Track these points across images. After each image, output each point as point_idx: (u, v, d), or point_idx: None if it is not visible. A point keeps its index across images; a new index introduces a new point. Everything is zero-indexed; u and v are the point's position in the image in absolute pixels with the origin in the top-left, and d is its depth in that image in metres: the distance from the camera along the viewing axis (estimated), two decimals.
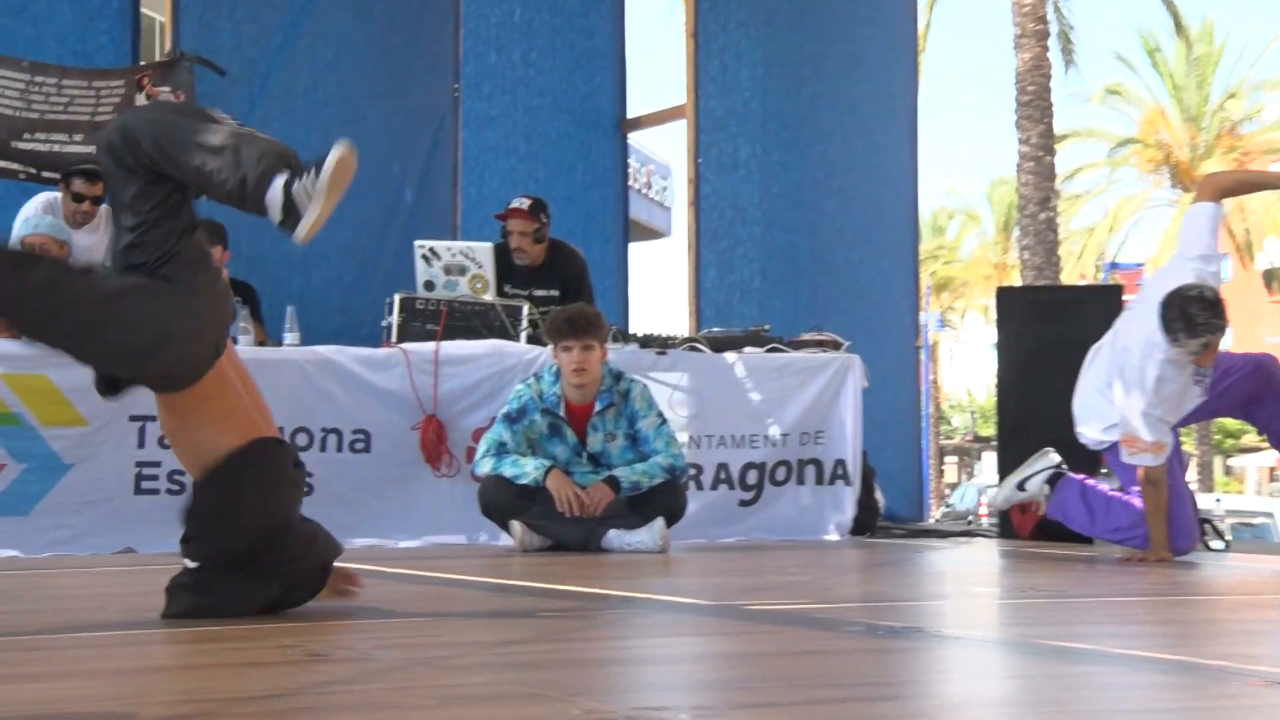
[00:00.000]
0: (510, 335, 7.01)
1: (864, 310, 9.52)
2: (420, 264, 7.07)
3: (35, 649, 3.10)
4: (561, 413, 6.22)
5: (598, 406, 6.23)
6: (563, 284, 7.46)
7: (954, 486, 40.18)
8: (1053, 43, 20.11)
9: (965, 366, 50.45)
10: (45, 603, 3.79)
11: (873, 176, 9.81)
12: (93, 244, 7.31)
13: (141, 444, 6.21)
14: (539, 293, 7.37)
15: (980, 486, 27.29)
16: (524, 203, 7.45)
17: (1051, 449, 6.31)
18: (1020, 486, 6.29)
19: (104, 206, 7.40)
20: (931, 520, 12.18)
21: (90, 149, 7.75)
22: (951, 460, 50.18)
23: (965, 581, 5.27)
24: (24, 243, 6.85)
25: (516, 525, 6.10)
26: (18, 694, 2.43)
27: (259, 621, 3.36)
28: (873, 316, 9.54)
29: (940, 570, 5.76)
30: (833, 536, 7.24)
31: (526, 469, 6.11)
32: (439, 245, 7.17)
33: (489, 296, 7.09)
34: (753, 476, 7.26)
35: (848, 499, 7.32)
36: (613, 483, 6.13)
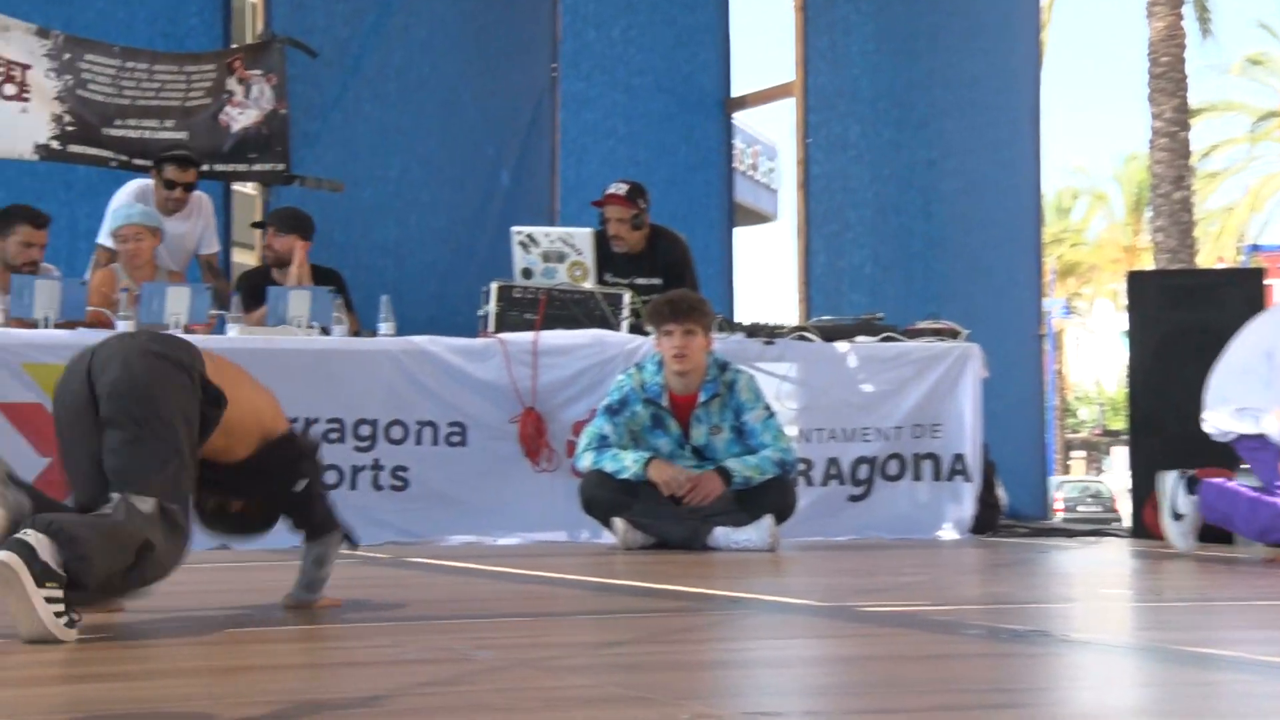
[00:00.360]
0: (611, 325, 7.03)
1: (983, 297, 9.43)
2: (518, 251, 7.12)
3: (133, 647, 3.18)
4: (665, 404, 6.23)
5: (702, 397, 6.24)
6: (664, 271, 7.47)
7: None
8: (1188, 10, 19.76)
9: (1093, 356, 49.67)
10: (141, 601, 3.87)
11: (992, 156, 9.70)
12: (184, 232, 7.45)
13: None
14: (640, 281, 7.38)
15: (1057, 481, 26.83)
16: (621, 188, 7.47)
17: (1164, 472, 6.20)
18: (1176, 516, 6.14)
19: (196, 194, 7.53)
20: (1056, 519, 12.04)
21: (182, 134, 7.90)
22: (1079, 455, 49.55)
23: (1095, 583, 5.21)
24: (116, 234, 6.99)
25: (619, 522, 6.12)
26: (117, 692, 2.49)
27: (357, 620, 3.41)
28: (993, 303, 9.44)
29: (1067, 571, 5.70)
30: (951, 535, 7.18)
31: (626, 462, 6.13)
32: (537, 231, 7.21)
33: (589, 284, 7.12)
34: (864, 471, 7.22)
35: (967, 495, 7.26)
36: (724, 474, 6.14)
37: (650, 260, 7.50)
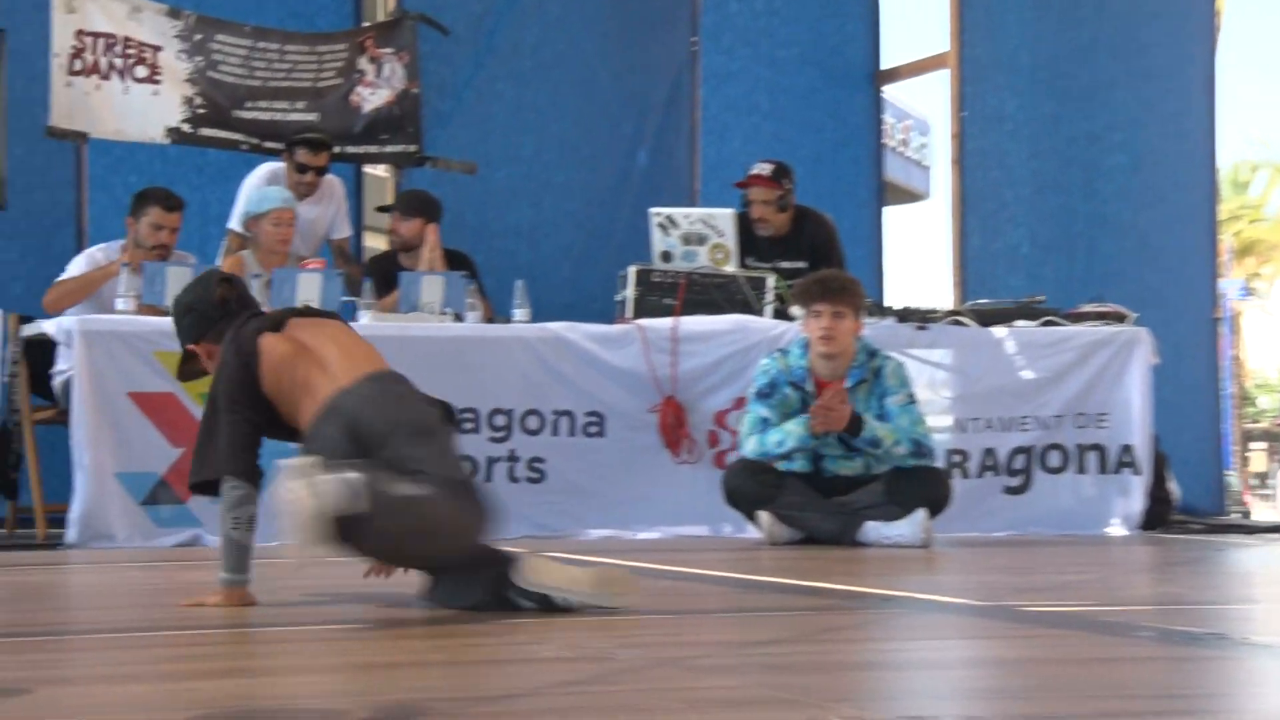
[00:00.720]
0: (754, 310, 7.02)
1: (1153, 278, 9.25)
2: (656, 233, 7.14)
3: (271, 641, 3.25)
4: (810, 388, 6.21)
5: (848, 383, 6.21)
6: (810, 254, 7.44)
7: (1262, 476, 38.75)
8: None
9: (1274, 340, 48.48)
10: (276, 595, 3.96)
11: (1162, 129, 9.51)
12: (315, 216, 7.58)
13: None
14: (784, 264, 7.36)
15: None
16: (765, 168, 7.45)
17: None
18: None
19: (327, 177, 7.65)
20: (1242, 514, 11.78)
21: (313, 116, 8.03)
22: (1258, 446, 48.35)
23: (1276, 582, 5.09)
24: (263, 217, 7.05)
25: (764, 516, 6.12)
26: (253, 688, 2.55)
27: (495, 619, 3.45)
28: (1163, 285, 9.26)
29: (1247, 570, 5.58)
30: (1118, 531, 7.07)
31: (788, 426, 6.12)
32: (676, 213, 7.23)
33: (731, 267, 7.12)
34: (1020, 461, 7.14)
35: (1136, 489, 7.15)
36: (856, 419, 6.07)
37: (795, 243, 7.47)
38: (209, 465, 3.68)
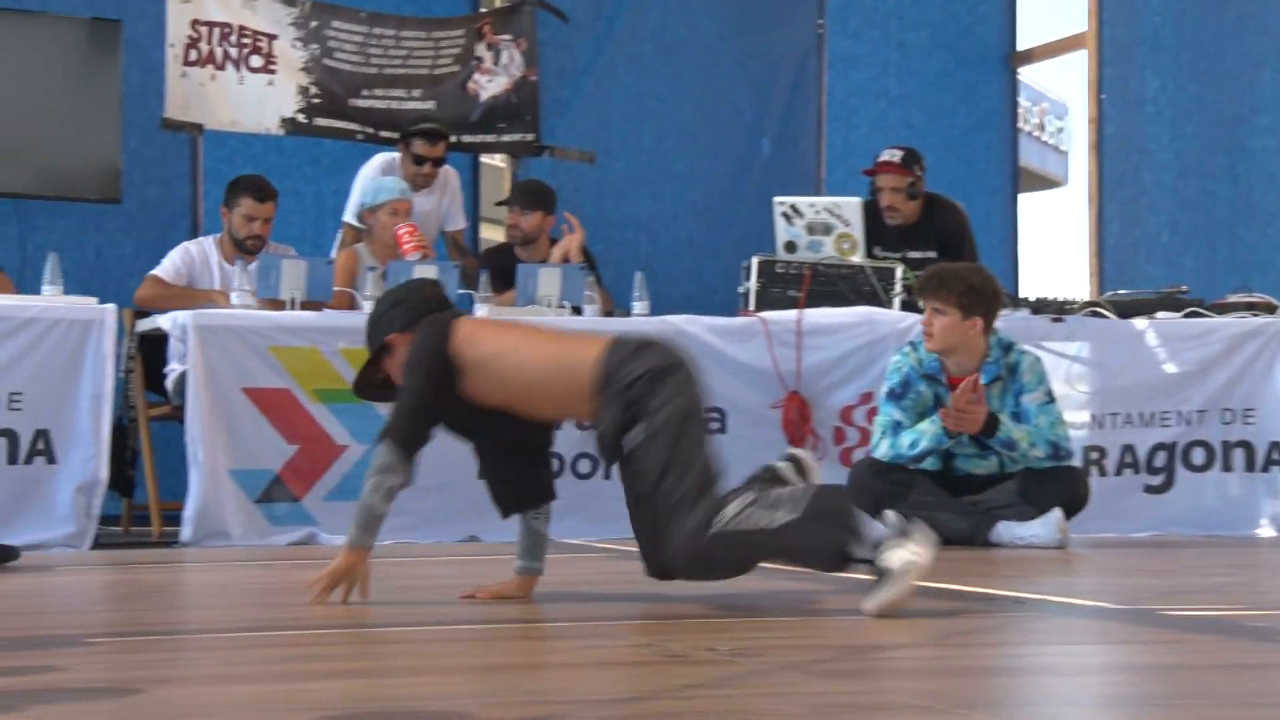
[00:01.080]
0: (882, 301, 6.97)
1: None
2: (780, 223, 7.12)
3: (387, 642, 3.29)
4: (944, 381, 6.15)
5: (982, 380, 6.14)
6: (940, 243, 7.37)
7: None
8: None
9: None
10: (394, 594, 4.01)
11: None
12: (429, 208, 7.64)
13: None
14: (914, 254, 7.30)
15: None
16: (895, 155, 7.39)
17: None
18: None
19: (445, 169, 7.70)
20: None
21: (429, 104, 8.10)
22: None
23: None
24: (382, 208, 7.10)
25: (891, 515, 6.07)
26: (375, 689, 2.58)
27: (613, 619, 3.46)
28: None
29: None
30: (1268, 532, 6.94)
31: (922, 428, 6.07)
32: (801, 202, 7.19)
33: (857, 258, 7.07)
34: (1161, 459, 7.03)
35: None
36: (991, 419, 6.01)
37: (925, 232, 7.41)
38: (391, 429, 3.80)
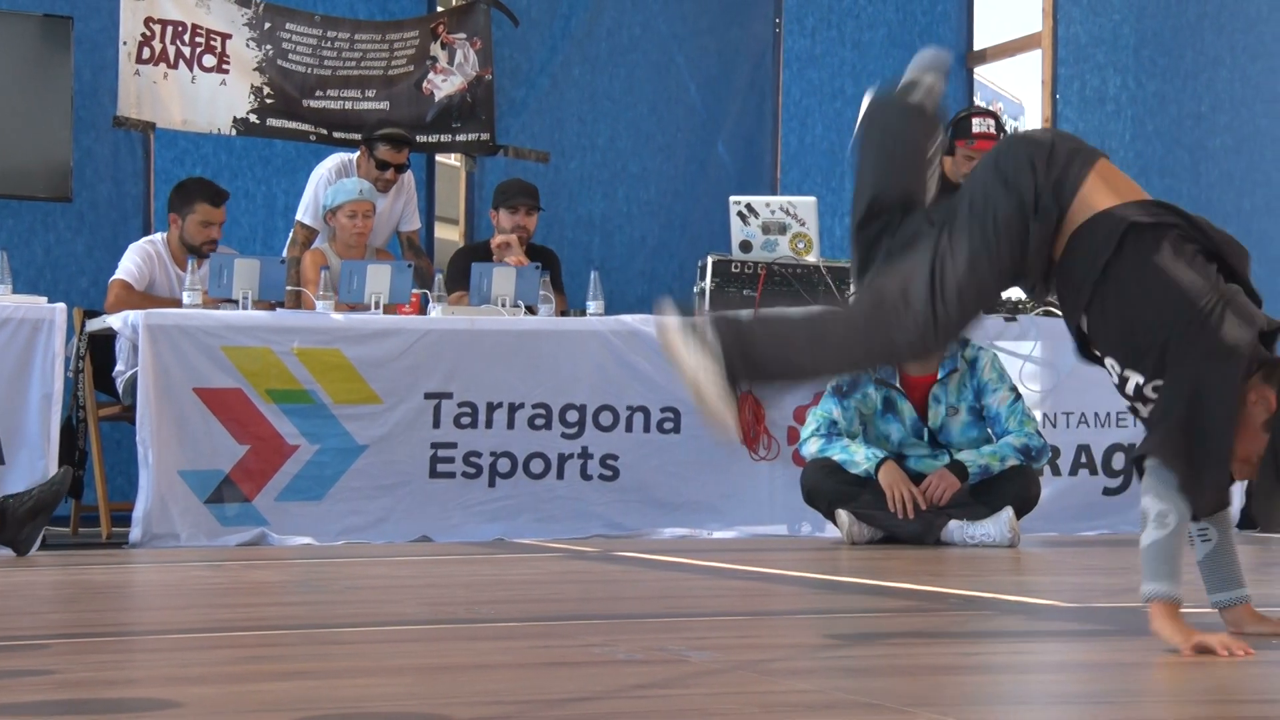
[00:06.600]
0: (837, 300, 7.00)
1: (1258, 268, 9.08)
2: (735, 222, 7.13)
3: (337, 643, 3.28)
4: (897, 384, 6.18)
5: (939, 374, 6.17)
6: None
7: None
8: None
9: None
10: (344, 594, 4.00)
11: (1270, 108, 9.38)
12: (384, 208, 7.60)
13: (436, 423, 6.46)
14: None
15: None
16: (988, 125, 7.27)
17: None
18: None
19: (407, 175, 7.62)
20: None
21: (383, 105, 8.08)
22: None
23: None
24: (340, 210, 7.07)
25: (844, 515, 6.10)
26: (322, 690, 2.58)
27: (564, 618, 3.47)
28: (1271, 275, 9.12)
29: None
30: None
31: (857, 457, 6.09)
32: (756, 201, 7.21)
33: (812, 257, 7.10)
34: (1119, 460, 7.07)
35: (1236, 487, 7.03)
36: (958, 470, 6.06)
37: None
38: None
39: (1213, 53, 9.29)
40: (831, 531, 6.29)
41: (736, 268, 7.01)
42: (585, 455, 6.66)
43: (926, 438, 6.18)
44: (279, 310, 6.56)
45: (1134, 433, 7.04)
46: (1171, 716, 2.32)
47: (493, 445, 6.54)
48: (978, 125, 7.19)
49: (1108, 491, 7.06)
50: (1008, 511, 5.97)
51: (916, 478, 6.16)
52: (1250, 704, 2.45)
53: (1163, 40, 9.26)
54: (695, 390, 3.15)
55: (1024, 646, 3.27)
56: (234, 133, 7.88)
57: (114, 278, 6.87)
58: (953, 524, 6.00)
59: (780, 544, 6.36)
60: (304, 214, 7.36)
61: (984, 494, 6.05)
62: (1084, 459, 7.07)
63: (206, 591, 4.69)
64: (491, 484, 6.54)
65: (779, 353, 3.20)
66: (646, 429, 6.74)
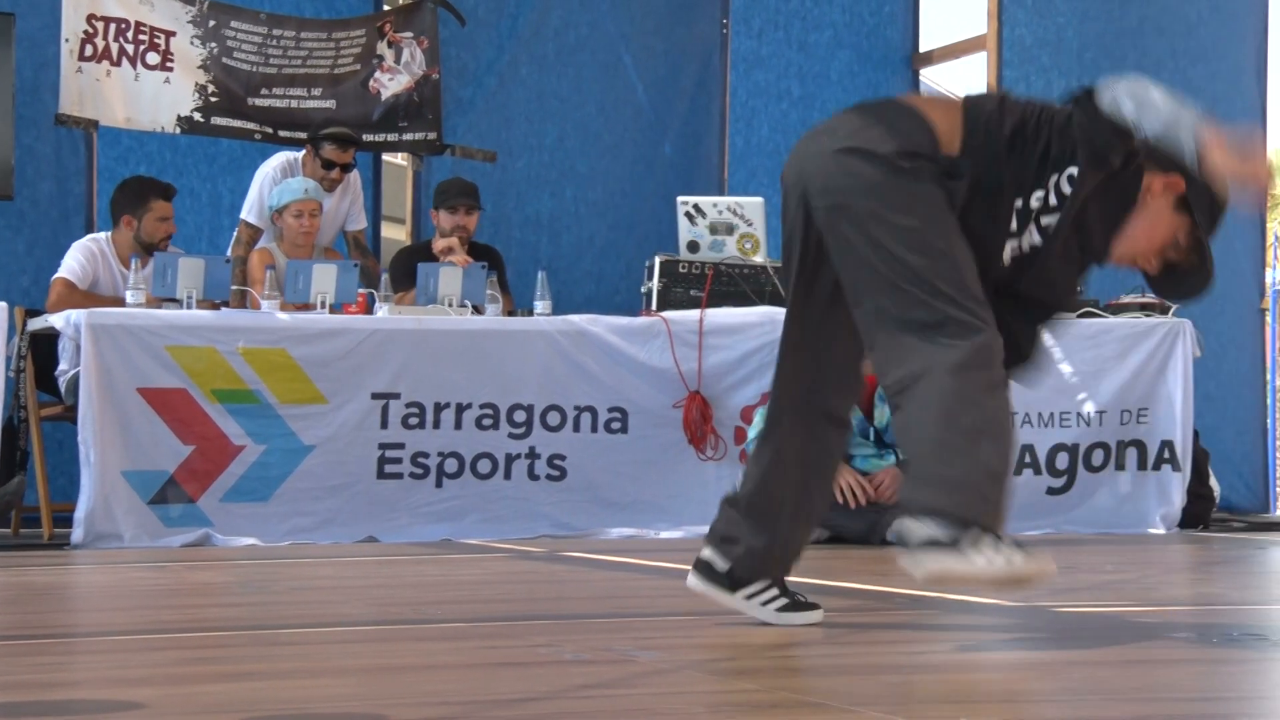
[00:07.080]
0: (785, 301, 7.01)
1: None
2: (683, 223, 7.14)
3: (283, 644, 3.27)
4: None
5: None
6: None
7: None
8: None
9: None
10: (290, 595, 3.99)
11: (1211, 109, 9.44)
12: (330, 208, 7.58)
13: (384, 424, 6.44)
14: None
15: None
16: None
17: None
18: None
19: (353, 174, 7.58)
20: None
21: (329, 103, 8.04)
22: None
23: None
24: (286, 209, 7.03)
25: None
26: (267, 691, 2.57)
27: (511, 618, 3.47)
28: (1224, 279, 9.20)
29: None
30: (1158, 530, 7.04)
31: None
32: (704, 201, 7.23)
33: (760, 258, 7.12)
34: (1063, 460, 7.11)
35: (1175, 487, 7.11)
36: (906, 468, 6.08)
37: None
38: None
39: (1155, 55, 9.36)
40: None
41: (684, 268, 7.03)
42: (533, 455, 6.66)
43: (873, 437, 6.22)
44: (224, 310, 6.53)
45: (1077, 433, 7.10)
46: (1111, 714, 2.34)
47: (440, 445, 6.53)
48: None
49: (1051, 491, 7.11)
50: None
51: (863, 476, 6.19)
52: (1190, 702, 2.47)
53: (1105, 43, 9.34)
54: (1012, 582, 3.09)
55: (969, 646, 3.28)
56: (178, 131, 7.83)
57: (56, 276, 6.82)
58: (898, 523, 6.02)
59: None
60: (249, 213, 7.32)
61: None
62: (1028, 459, 7.10)
63: (150, 593, 4.66)
64: (439, 484, 6.53)
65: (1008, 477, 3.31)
66: (594, 429, 6.75)
